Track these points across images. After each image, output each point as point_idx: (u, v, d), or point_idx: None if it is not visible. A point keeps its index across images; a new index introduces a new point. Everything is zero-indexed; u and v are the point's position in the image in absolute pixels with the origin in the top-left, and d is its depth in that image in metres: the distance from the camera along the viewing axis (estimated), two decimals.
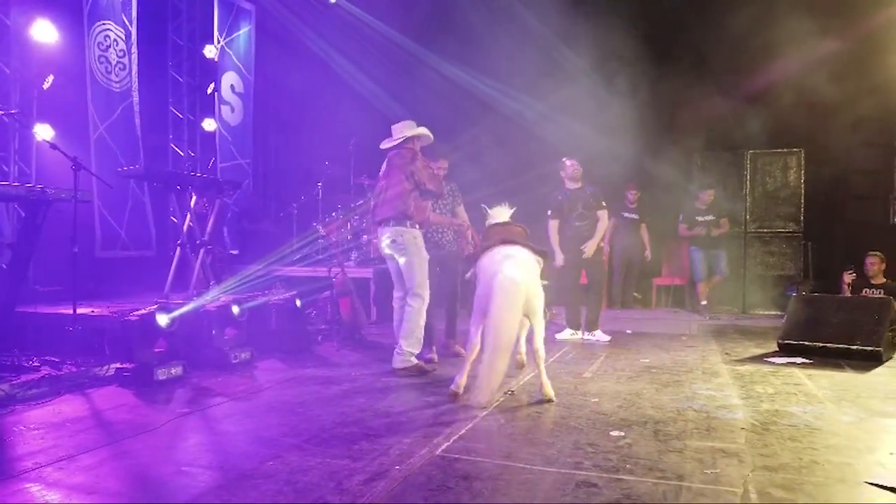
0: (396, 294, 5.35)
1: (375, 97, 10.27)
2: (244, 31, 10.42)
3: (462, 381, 4.24)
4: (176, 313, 4.67)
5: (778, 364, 5.46)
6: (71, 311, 5.11)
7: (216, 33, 9.77)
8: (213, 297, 5.27)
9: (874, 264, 7.64)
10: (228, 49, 10.07)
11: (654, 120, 9.63)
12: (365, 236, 9.06)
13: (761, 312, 9.12)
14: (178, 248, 6.08)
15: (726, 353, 5.99)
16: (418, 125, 5.35)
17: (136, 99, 8.44)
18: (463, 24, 9.73)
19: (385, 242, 5.20)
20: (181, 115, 9.47)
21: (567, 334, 6.84)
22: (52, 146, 4.98)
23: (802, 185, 9.45)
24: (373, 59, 10.38)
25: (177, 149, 9.45)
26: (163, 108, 9.34)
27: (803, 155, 9.45)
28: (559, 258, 6.73)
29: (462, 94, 9.92)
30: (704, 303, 8.83)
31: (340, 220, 9.18)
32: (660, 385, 4.66)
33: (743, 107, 9.46)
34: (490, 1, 9.79)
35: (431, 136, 5.37)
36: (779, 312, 9.14)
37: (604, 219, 6.90)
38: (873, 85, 8.84)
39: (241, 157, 10.44)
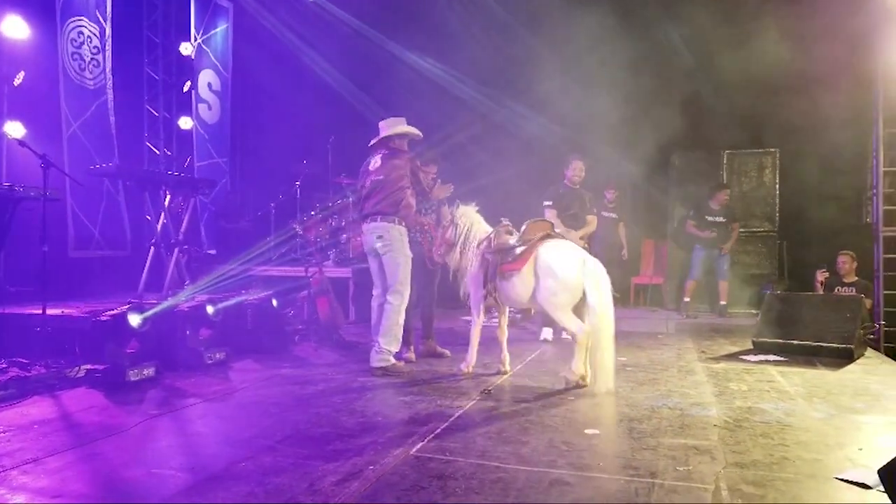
0: (375, 292, 5.33)
1: (353, 96, 10.24)
2: (221, 29, 10.33)
3: (582, 369, 4.53)
4: (148, 313, 4.61)
5: (752, 362, 5.51)
6: (40, 312, 5.01)
7: (193, 31, 9.67)
8: (186, 296, 5.21)
9: (846, 263, 7.75)
10: (205, 47, 9.97)
11: (632, 119, 9.68)
12: (344, 235, 9.03)
13: (737, 311, 9.19)
14: (152, 248, 6.00)
15: (702, 352, 6.04)
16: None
17: (110, 97, 8.32)
18: (442, 23, 9.72)
19: (371, 237, 5.16)
20: (157, 114, 9.36)
21: (548, 333, 6.82)
22: (21, 143, 4.89)
23: (777, 185, 9.55)
24: (351, 58, 10.34)
25: (152, 147, 9.34)
26: (138, 106, 9.21)
27: (778, 155, 9.55)
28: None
29: (441, 92, 9.91)
30: (687, 300, 8.91)
31: (318, 219, 9.13)
32: (635, 383, 4.68)
33: (719, 107, 9.54)
34: (466, 3, 9.80)
35: (420, 133, 5.36)
36: (754, 311, 9.25)
37: (592, 223, 6.99)
38: (848, 85, 8.95)
39: (219, 155, 10.35)
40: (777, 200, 9.55)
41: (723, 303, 8.95)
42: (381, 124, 5.38)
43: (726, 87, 9.42)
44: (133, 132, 9.06)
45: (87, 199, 7.86)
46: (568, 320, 4.55)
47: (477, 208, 5.28)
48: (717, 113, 9.53)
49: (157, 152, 9.35)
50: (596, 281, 4.45)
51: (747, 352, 5.94)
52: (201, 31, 9.87)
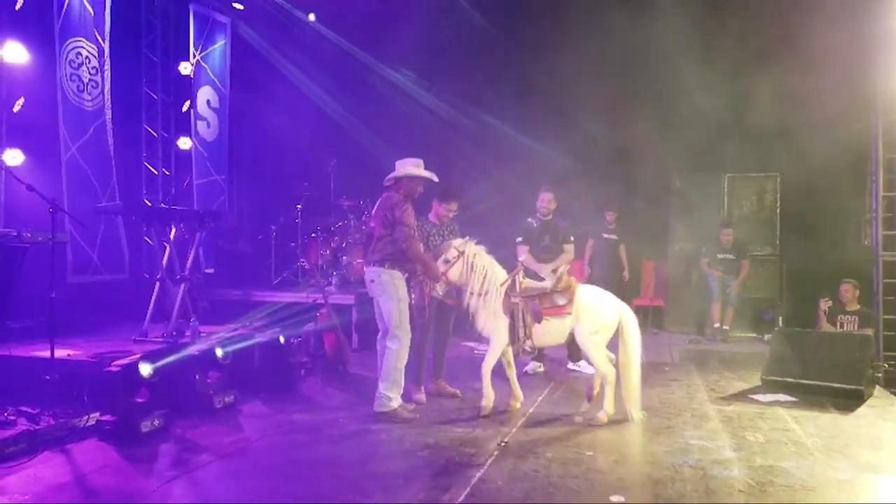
0: (379, 335, 5.29)
1: (350, 124, 10.19)
2: (219, 45, 10.20)
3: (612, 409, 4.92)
4: (160, 364, 4.52)
5: (763, 403, 5.51)
6: (46, 355, 4.89)
7: (192, 48, 9.55)
8: (198, 347, 5.12)
9: (848, 291, 7.75)
10: (204, 63, 9.85)
11: (634, 142, 9.69)
12: (344, 257, 8.96)
13: (737, 335, 9.20)
14: (158, 283, 5.91)
15: (711, 389, 6.02)
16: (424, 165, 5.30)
17: (108, 117, 8.19)
18: (445, 55, 9.72)
19: (368, 282, 5.19)
20: (155, 134, 9.22)
21: (534, 367, 6.77)
22: (29, 188, 4.77)
23: (778, 209, 9.59)
24: (347, 81, 10.29)
25: (150, 167, 9.20)
26: (136, 127, 9.07)
27: (779, 179, 9.58)
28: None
29: (443, 122, 9.90)
30: (717, 325, 8.95)
31: (320, 241, 9.05)
32: (651, 432, 4.65)
33: (721, 130, 9.54)
34: (468, 32, 9.78)
35: (431, 176, 5.28)
36: (754, 335, 9.30)
37: (570, 252, 6.82)
38: (848, 109, 8.97)
39: (217, 172, 10.22)
40: (778, 224, 9.58)
41: (725, 327, 8.99)
42: (397, 164, 5.32)
43: (728, 111, 9.44)
44: (131, 153, 8.91)
45: (85, 223, 7.73)
46: (602, 361, 4.95)
47: (485, 247, 5.28)
48: (719, 136, 9.54)
49: (156, 172, 9.22)
50: (630, 322, 4.99)
51: (756, 390, 5.93)
52: (199, 48, 9.74)
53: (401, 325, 5.02)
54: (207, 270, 9.53)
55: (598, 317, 4.98)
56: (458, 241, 5.27)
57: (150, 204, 8.99)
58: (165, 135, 9.35)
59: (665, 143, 9.60)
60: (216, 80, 10.12)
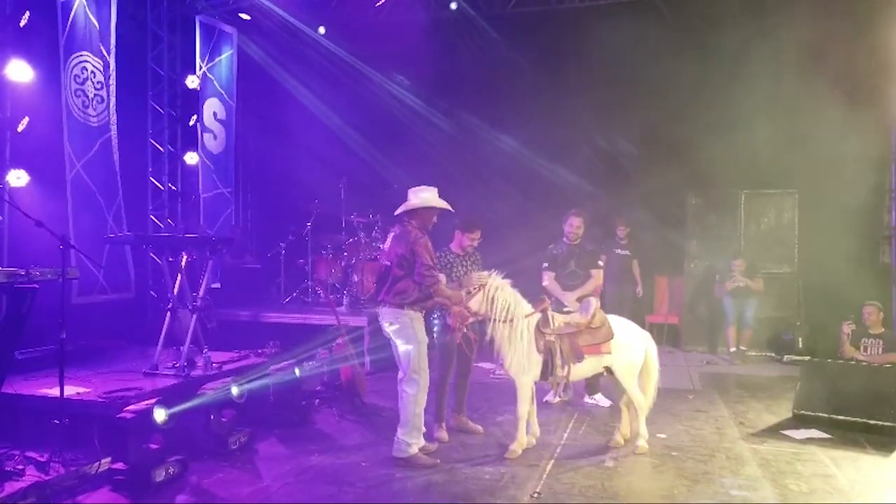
0: (399, 375, 5.06)
1: (358, 136, 10.01)
2: (226, 56, 9.99)
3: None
4: (175, 410, 4.32)
5: (797, 441, 5.33)
6: (55, 394, 4.68)
7: (198, 59, 9.33)
8: (212, 386, 4.92)
9: (872, 314, 7.55)
10: (210, 75, 9.64)
11: (651, 159, 9.52)
12: (355, 276, 8.78)
13: (754, 354, 9.03)
14: (169, 314, 5.71)
15: (741, 423, 5.83)
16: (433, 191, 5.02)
17: (114, 133, 7.98)
18: (458, 72, 9.54)
19: (384, 323, 4.93)
20: (161, 148, 9.01)
21: (554, 397, 6.54)
22: (38, 224, 4.58)
23: (796, 227, 9.41)
24: (357, 93, 10.12)
25: (156, 182, 8.99)
26: (142, 141, 8.86)
27: (797, 196, 9.40)
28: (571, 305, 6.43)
29: (454, 139, 9.73)
30: (734, 349, 8.78)
31: (330, 260, 8.86)
32: (689, 480, 4.45)
33: (737, 147, 9.36)
34: (482, 50, 9.61)
35: (449, 206, 5.01)
36: (772, 354, 9.12)
37: (597, 277, 6.55)
38: (868, 126, 8.81)
39: (224, 185, 10.03)
40: (796, 242, 9.40)
41: (742, 348, 8.83)
42: (410, 192, 5.07)
43: (745, 127, 9.26)
44: (137, 168, 8.73)
45: (91, 243, 7.52)
46: (637, 391, 5.09)
47: (510, 281, 5.07)
48: (736, 152, 9.35)
49: (162, 188, 9.01)
50: (653, 354, 5.19)
51: (787, 424, 5.75)
52: (206, 59, 9.54)
53: (419, 368, 4.78)
54: (214, 285, 9.33)
55: (632, 353, 5.09)
56: (482, 274, 5.07)
57: (158, 223, 8.85)
58: (172, 149, 9.15)
59: (681, 160, 9.42)
60: (223, 91, 9.92)
